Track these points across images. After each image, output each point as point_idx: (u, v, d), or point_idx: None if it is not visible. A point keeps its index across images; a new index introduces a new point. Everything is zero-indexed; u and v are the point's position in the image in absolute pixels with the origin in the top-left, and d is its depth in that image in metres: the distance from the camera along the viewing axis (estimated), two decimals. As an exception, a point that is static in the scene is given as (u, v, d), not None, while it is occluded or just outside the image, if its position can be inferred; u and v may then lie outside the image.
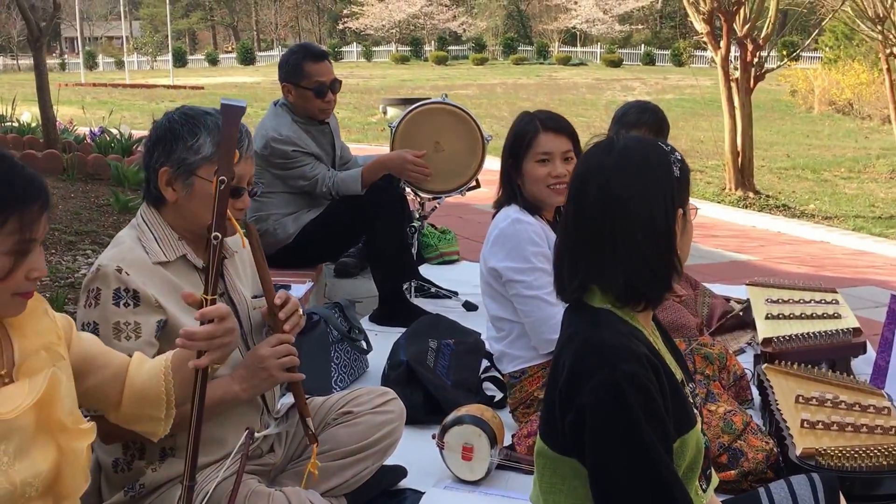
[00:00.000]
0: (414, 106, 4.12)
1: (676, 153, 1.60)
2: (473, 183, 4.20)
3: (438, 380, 3.20)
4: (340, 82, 4.13)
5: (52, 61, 53.40)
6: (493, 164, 4.26)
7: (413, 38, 45.45)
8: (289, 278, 4.05)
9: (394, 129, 4.12)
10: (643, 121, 3.56)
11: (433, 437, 2.70)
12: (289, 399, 2.46)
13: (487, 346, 3.07)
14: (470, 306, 4.45)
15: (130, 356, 1.94)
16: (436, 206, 4.50)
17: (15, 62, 50.85)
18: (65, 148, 6.56)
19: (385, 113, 18.18)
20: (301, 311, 2.23)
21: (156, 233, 2.10)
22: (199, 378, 1.69)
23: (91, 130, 7.72)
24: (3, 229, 1.43)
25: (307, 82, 4.02)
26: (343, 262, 4.99)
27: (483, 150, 4.13)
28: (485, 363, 3.50)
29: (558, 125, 2.85)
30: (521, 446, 2.78)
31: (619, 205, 1.56)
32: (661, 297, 1.60)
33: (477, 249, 6.03)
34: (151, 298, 2.00)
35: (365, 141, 13.92)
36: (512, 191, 2.88)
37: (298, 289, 3.86)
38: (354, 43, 47.44)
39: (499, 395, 3.33)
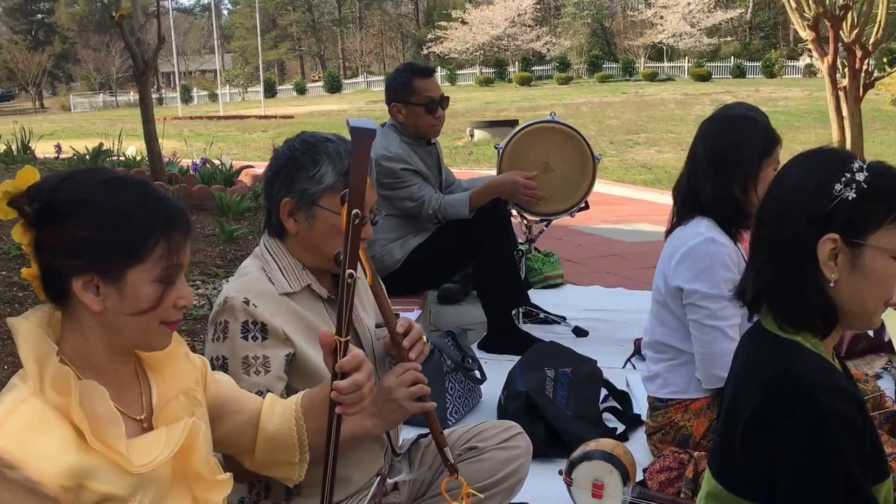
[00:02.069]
0: (522, 126, 4.01)
1: (858, 175, 1.41)
2: (583, 204, 4.06)
3: (559, 411, 3.07)
4: (448, 98, 4.06)
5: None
6: (598, 186, 4.18)
7: (497, 59, 45.46)
8: (396, 306, 3.96)
9: (501, 151, 4.01)
10: None
11: (560, 472, 2.57)
12: (410, 434, 2.38)
13: (644, 370, 2.87)
14: (580, 332, 4.31)
15: (260, 392, 1.90)
16: (543, 229, 4.37)
17: (114, 98, 52.98)
18: (170, 180, 6.69)
19: (472, 136, 18.24)
20: (425, 337, 2.14)
21: (280, 263, 2.05)
22: (333, 424, 1.60)
23: (193, 162, 7.87)
24: (152, 255, 1.38)
25: (417, 98, 3.97)
26: (446, 287, 4.90)
27: (594, 169, 3.99)
28: (603, 392, 3.36)
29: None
30: (652, 482, 2.62)
31: (772, 216, 1.47)
32: (826, 328, 1.44)
33: (579, 272, 5.95)
34: (279, 331, 1.94)
35: (454, 165, 13.82)
36: (705, 203, 2.57)
37: (408, 317, 3.78)
38: (439, 67, 47.78)
39: (621, 428, 3.17)
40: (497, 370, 3.65)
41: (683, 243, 2.60)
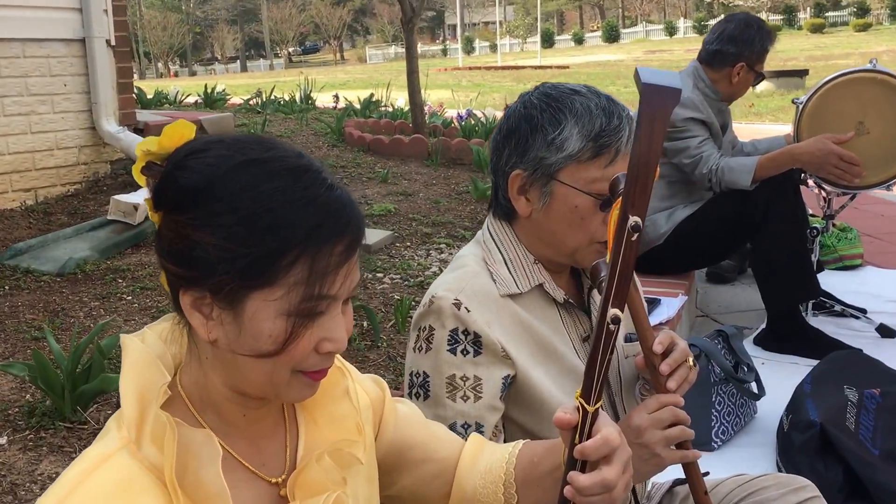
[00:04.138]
0: (831, 76, 3.11)
1: None
2: (906, 175, 3.12)
3: (862, 450, 2.29)
4: None
5: (435, 47, 57.17)
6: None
7: (786, 5, 41.74)
8: (657, 288, 3.33)
9: (801, 107, 3.15)
10: None
11: (866, 549, 1.85)
12: (662, 478, 1.77)
13: None
14: (886, 331, 3.40)
15: (466, 426, 1.41)
16: (846, 203, 3.47)
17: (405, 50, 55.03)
18: (432, 132, 6.37)
19: (754, 87, 16.60)
20: (691, 360, 1.51)
21: (506, 254, 1.52)
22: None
23: (458, 114, 7.54)
24: (285, 278, 0.88)
25: (760, 67, 3.39)
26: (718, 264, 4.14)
27: (926, 131, 3.02)
28: (923, 423, 2.52)
29: None
30: None
31: None
32: None
33: (884, 251, 4.85)
34: (497, 346, 1.42)
35: (733, 119, 12.55)
36: None
37: (670, 304, 3.13)
38: (722, 15, 44.71)
39: (950, 477, 2.33)
40: (776, 374, 2.94)
41: None
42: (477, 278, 1.47)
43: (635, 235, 0.91)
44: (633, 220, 0.90)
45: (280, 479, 1.00)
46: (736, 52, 3.31)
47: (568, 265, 1.55)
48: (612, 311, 0.92)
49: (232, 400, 0.96)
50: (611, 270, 0.93)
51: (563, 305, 1.53)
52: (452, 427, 1.41)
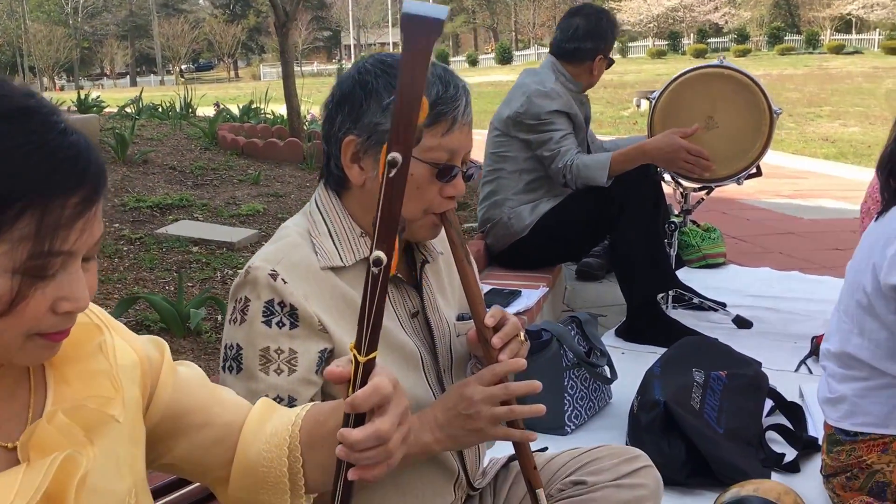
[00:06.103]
0: (681, 72, 3.20)
1: None
2: (754, 169, 3.21)
3: (707, 428, 2.32)
4: None
5: (331, 66, 56.94)
6: (774, 158, 3.31)
7: (671, 31, 43.42)
8: (519, 281, 3.33)
9: (654, 101, 3.22)
10: None
11: (702, 520, 1.85)
12: (499, 453, 1.74)
13: (822, 388, 2.04)
14: (742, 322, 3.49)
15: (279, 399, 1.31)
16: (702, 199, 3.56)
17: (300, 69, 54.67)
18: (309, 137, 6.28)
19: (639, 106, 17.24)
20: (523, 335, 1.48)
21: (332, 226, 1.45)
22: (339, 489, 0.96)
23: (339, 121, 7.47)
24: (11, 232, 0.79)
25: (609, 51, 3.45)
26: (587, 262, 4.19)
27: (771, 126, 3.11)
28: (769, 404, 2.58)
29: None
30: (832, 544, 1.85)
31: None
32: None
33: (746, 252, 5.04)
34: (314, 318, 1.35)
35: (616, 134, 13.04)
36: None
37: (531, 295, 3.13)
38: (610, 39, 46.27)
39: (790, 454, 2.39)
40: (635, 364, 2.97)
41: None
42: (297, 249, 1.40)
43: (392, 170, 0.85)
44: (393, 155, 0.84)
45: (10, 445, 0.90)
46: (594, 46, 3.36)
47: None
48: (375, 254, 0.86)
49: None
50: (377, 209, 0.87)
51: (392, 280, 1.47)
52: None
